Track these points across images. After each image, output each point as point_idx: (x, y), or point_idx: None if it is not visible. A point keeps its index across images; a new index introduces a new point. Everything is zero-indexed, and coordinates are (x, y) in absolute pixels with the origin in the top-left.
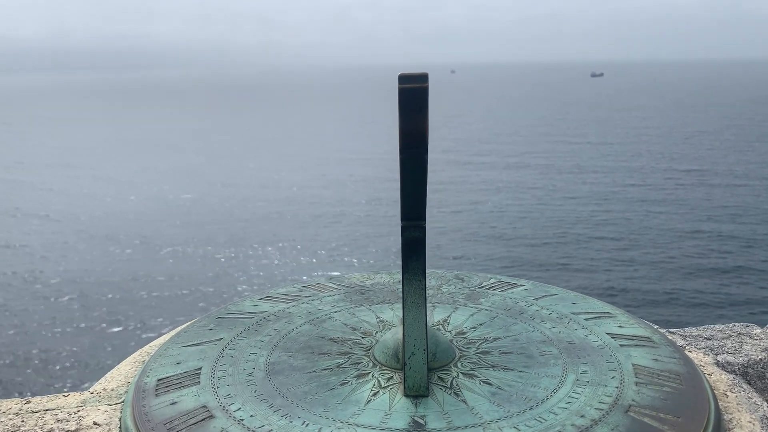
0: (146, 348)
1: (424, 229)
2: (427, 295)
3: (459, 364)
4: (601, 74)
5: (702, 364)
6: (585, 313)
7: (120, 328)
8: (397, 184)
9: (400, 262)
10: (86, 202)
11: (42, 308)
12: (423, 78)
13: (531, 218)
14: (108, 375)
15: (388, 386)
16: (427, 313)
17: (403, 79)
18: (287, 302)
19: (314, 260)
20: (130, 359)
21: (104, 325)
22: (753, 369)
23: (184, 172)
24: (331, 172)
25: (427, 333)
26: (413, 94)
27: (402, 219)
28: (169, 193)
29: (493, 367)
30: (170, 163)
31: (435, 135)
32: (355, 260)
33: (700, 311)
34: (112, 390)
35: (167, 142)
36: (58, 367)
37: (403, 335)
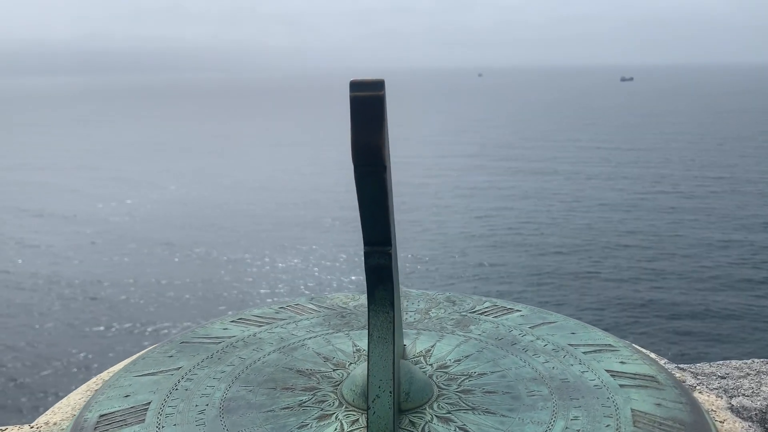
0: (103, 374)
1: (389, 255)
2: (412, 320)
3: (435, 405)
4: (631, 78)
5: (713, 408)
6: (584, 345)
7: (132, 331)
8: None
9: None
10: (110, 204)
11: (62, 308)
12: (378, 85)
13: (557, 225)
14: (55, 406)
15: (351, 431)
16: (411, 342)
17: (355, 86)
18: (260, 326)
19: (335, 265)
20: (82, 388)
21: (115, 327)
22: None
23: (208, 176)
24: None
25: (395, 372)
26: (366, 104)
27: (365, 244)
28: (191, 196)
29: (473, 409)
30: (195, 166)
31: (461, 139)
32: None
33: (730, 324)
34: (55, 424)
35: (193, 145)
36: (62, 371)
37: (368, 375)
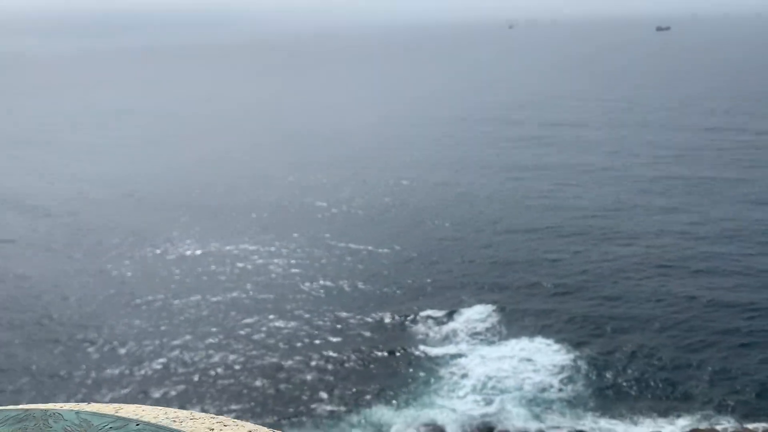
0: None
1: None
2: None
3: None
4: (668, 28)
5: None
6: None
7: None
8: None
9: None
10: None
11: None
12: None
13: (590, 180)
14: None
15: None
16: None
17: None
18: None
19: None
20: None
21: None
22: None
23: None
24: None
25: None
26: None
27: None
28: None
29: None
30: (133, 135)
31: (492, 97)
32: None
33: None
34: None
35: (138, 112)
36: None
37: None
